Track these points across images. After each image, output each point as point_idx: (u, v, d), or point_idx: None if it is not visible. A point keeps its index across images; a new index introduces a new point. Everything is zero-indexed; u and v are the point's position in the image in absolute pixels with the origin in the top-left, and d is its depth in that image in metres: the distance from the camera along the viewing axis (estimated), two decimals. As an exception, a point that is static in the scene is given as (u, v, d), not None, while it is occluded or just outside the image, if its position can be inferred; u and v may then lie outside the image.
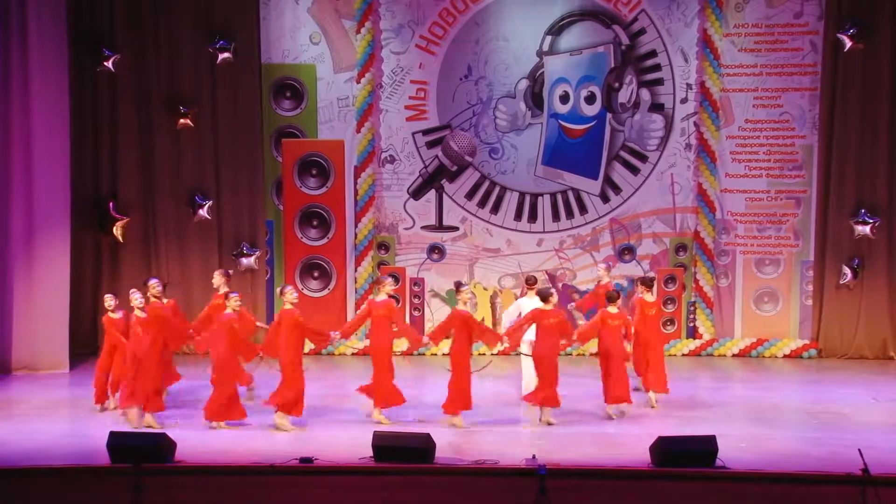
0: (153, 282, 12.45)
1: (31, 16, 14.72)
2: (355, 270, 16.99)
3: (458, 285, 12.47)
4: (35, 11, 14.74)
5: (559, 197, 17.06)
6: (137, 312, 12.12)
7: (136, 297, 12.20)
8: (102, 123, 16.60)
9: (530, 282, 13.66)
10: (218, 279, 13.63)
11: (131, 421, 11.90)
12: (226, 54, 16.52)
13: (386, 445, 10.15)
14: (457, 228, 17.16)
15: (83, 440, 11.12)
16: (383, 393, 12.18)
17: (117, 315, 12.70)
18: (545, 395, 12.06)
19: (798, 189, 16.80)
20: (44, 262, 14.99)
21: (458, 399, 11.97)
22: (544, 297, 12.33)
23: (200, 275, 16.79)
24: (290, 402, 11.79)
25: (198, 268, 16.81)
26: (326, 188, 16.81)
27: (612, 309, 12.56)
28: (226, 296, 12.54)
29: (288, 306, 12.06)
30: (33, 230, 14.93)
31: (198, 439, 11.07)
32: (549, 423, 11.99)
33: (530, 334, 12.60)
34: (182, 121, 16.54)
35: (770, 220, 16.84)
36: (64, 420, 12.49)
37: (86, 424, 11.99)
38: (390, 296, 12.75)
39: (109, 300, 12.76)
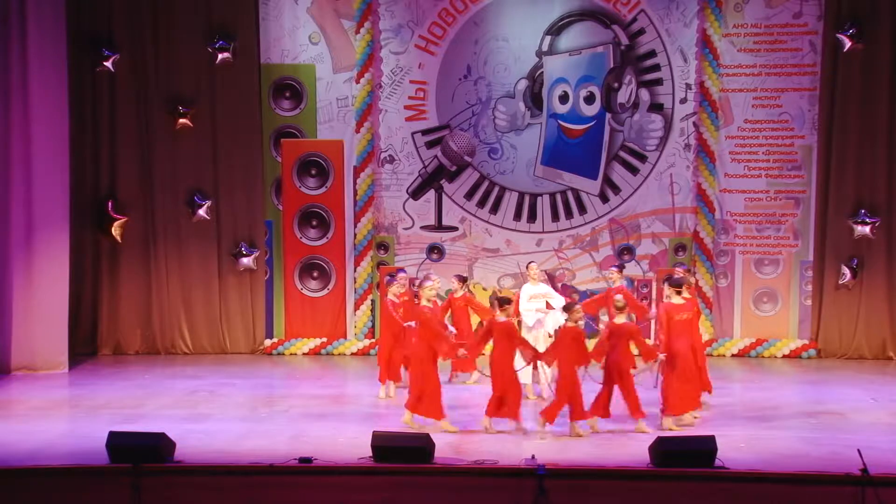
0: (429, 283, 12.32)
1: (31, 16, 14.71)
2: (354, 270, 16.98)
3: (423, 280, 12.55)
4: (35, 11, 14.73)
5: (558, 197, 17.06)
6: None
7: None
8: (102, 123, 16.61)
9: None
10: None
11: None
12: (225, 54, 16.53)
13: (385, 445, 10.14)
14: (456, 228, 17.16)
15: (82, 440, 11.10)
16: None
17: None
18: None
19: (797, 189, 16.80)
20: (43, 262, 14.99)
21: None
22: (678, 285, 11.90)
23: (199, 275, 16.82)
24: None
25: (197, 268, 16.82)
26: (326, 188, 16.83)
27: (677, 300, 11.91)
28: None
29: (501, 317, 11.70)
30: (33, 230, 14.92)
31: (197, 439, 11.07)
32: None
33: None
34: (181, 121, 16.55)
35: (769, 220, 16.85)
36: (63, 420, 12.49)
37: (85, 424, 11.98)
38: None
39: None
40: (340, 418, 12.31)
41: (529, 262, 14.49)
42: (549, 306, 13.47)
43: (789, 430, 11.84)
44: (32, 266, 14.94)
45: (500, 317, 11.62)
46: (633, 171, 16.96)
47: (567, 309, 11.81)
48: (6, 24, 14.67)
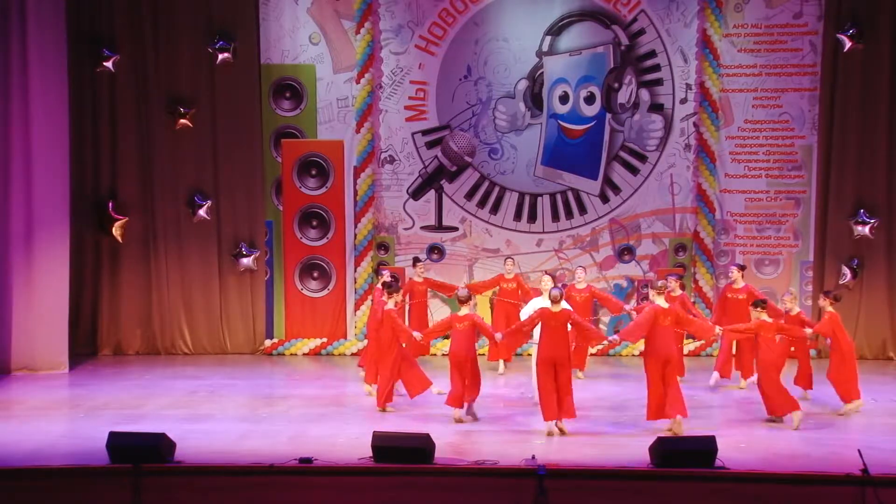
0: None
1: (31, 16, 14.72)
2: (355, 271, 16.98)
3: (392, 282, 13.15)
4: (35, 11, 14.74)
5: (559, 197, 17.07)
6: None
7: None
8: (102, 123, 16.61)
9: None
10: None
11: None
12: (225, 54, 16.53)
13: (385, 446, 10.14)
14: (456, 229, 17.17)
15: (83, 440, 11.11)
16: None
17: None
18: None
19: (797, 189, 16.81)
20: (44, 262, 14.99)
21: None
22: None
23: (199, 275, 16.81)
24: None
25: (197, 268, 16.82)
26: (326, 188, 16.82)
27: (765, 317, 12.09)
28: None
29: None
30: (33, 230, 14.93)
31: (197, 439, 11.07)
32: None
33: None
34: (181, 121, 16.55)
35: (769, 220, 16.86)
36: (63, 420, 12.48)
37: (85, 424, 11.99)
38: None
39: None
40: (340, 418, 12.32)
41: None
42: None
43: (789, 430, 11.85)
44: (32, 266, 14.95)
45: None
46: (634, 171, 16.97)
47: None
48: (6, 24, 14.68)
